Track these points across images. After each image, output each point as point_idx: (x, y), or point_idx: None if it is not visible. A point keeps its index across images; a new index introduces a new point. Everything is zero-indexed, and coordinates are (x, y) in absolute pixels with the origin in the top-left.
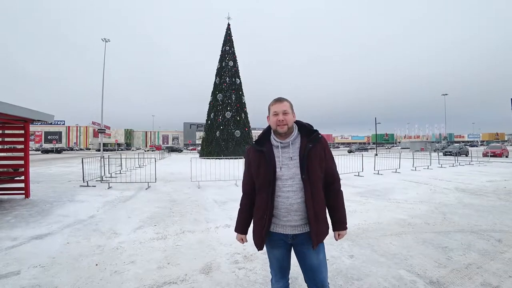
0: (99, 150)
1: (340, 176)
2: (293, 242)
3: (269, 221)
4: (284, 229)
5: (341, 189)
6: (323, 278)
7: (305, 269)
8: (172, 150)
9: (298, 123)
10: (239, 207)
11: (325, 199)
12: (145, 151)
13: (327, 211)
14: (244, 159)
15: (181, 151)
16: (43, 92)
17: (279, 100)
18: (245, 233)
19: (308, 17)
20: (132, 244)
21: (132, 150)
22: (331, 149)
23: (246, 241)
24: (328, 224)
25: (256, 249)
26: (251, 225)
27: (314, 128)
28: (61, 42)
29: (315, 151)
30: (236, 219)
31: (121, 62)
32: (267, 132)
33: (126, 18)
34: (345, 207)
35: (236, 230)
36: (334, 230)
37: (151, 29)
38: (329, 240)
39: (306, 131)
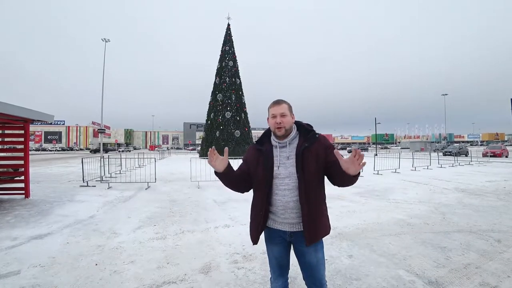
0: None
1: None
2: (291, 239)
3: (265, 218)
4: (282, 226)
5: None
6: (321, 277)
7: (303, 267)
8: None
9: (297, 123)
10: None
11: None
12: (128, 151)
13: (326, 211)
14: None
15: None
16: (43, 92)
17: (277, 102)
18: (223, 167)
19: (303, 17)
20: (132, 244)
21: (129, 150)
22: None
23: (214, 154)
24: (327, 224)
25: (255, 249)
26: (249, 222)
27: (312, 128)
28: (61, 41)
29: (311, 150)
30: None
31: (121, 62)
32: (267, 132)
33: (126, 18)
34: (345, 207)
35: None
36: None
37: (151, 29)
38: (329, 240)
39: (305, 131)
